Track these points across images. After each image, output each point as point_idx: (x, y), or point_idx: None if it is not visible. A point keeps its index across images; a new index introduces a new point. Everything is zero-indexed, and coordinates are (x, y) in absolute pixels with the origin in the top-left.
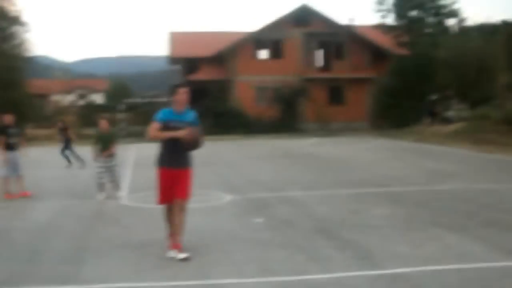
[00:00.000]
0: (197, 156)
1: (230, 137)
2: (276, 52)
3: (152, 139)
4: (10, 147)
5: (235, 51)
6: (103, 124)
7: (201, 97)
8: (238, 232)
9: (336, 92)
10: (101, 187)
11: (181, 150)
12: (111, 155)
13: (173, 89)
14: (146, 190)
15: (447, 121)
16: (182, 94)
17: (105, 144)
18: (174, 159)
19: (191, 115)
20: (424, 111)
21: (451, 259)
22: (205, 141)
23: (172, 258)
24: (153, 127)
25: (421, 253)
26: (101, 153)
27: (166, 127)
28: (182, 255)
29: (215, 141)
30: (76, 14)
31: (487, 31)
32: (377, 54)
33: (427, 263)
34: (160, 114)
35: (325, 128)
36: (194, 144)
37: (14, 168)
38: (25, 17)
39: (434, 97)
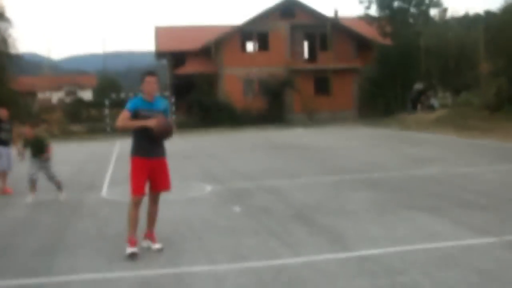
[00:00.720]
0: (182, 149)
1: (217, 129)
2: (263, 44)
3: (121, 129)
4: (2, 142)
5: (221, 44)
6: (27, 131)
7: (188, 90)
8: (215, 221)
9: (322, 83)
10: (32, 187)
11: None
12: (47, 158)
13: (141, 78)
14: (125, 184)
15: (431, 108)
16: (150, 83)
17: (34, 148)
18: (152, 148)
19: (163, 102)
20: (406, 98)
21: (421, 239)
22: (192, 134)
23: (148, 249)
24: (122, 117)
25: (392, 235)
26: (34, 156)
27: (136, 116)
28: (157, 246)
29: (202, 134)
30: (62, 11)
31: (468, 20)
32: (362, 45)
33: (397, 244)
34: (130, 103)
35: (312, 119)
36: (164, 133)
37: (3, 163)
38: (9, 13)
39: (420, 85)
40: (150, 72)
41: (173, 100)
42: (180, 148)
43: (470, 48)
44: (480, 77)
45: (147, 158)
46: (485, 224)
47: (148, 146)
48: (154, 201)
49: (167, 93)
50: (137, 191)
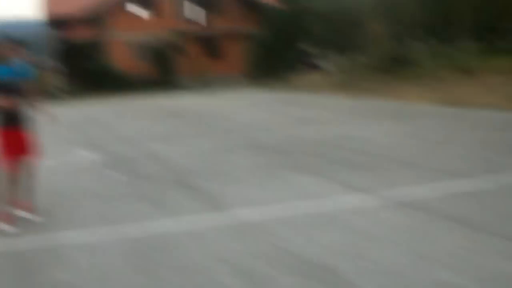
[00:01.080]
0: (68, 117)
1: (106, 97)
2: (151, 8)
3: None
4: None
5: (108, 9)
6: None
7: (74, 57)
8: (95, 189)
9: (213, 47)
10: None
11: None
12: None
13: None
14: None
15: (322, 70)
16: (6, 48)
17: None
18: (15, 118)
19: (20, 66)
20: (296, 61)
21: (304, 203)
22: (80, 103)
23: (23, 219)
24: None
25: (274, 198)
26: None
27: None
28: (34, 217)
29: (91, 102)
30: None
31: None
32: (253, 8)
33: (279, 208)
34: None
35: (202, 83)
36: (15, 109)
37: None
38: None
39: (306, 47)
40: (6, 36)
41: (61, 67)
42: (66, 116)
43: (361, 11)
44: (371, 40)
45: (12, 128)
46: (369, 185)
47: (11, 116)
48: (26, 170)
49: (54, 60)
50: (10, 163)
